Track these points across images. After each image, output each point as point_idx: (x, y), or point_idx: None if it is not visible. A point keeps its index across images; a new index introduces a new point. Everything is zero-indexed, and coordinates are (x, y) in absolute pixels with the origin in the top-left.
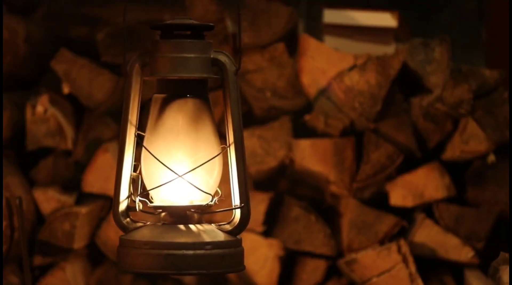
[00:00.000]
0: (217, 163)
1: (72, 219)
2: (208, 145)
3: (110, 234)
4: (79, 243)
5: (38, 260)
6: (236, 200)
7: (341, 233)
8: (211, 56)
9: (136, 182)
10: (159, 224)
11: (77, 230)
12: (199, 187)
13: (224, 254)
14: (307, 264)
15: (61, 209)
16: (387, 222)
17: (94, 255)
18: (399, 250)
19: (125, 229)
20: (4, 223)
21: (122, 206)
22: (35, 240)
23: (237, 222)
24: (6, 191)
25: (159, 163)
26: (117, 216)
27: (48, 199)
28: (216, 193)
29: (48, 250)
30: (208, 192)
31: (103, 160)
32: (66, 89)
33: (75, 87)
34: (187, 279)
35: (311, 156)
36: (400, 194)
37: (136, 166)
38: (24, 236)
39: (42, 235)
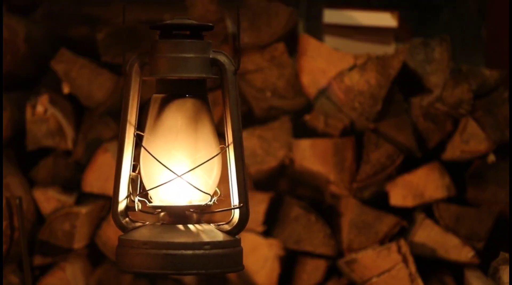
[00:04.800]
0: (216, 163)
1: (72, 219)
2: (207, 145)
3: (110, 234)
4: (79, 243)
5: (38, 260)
6: (235, 200)
7: (341, 233)
8: (210, 56)
9: (135, 182)
10: (158, 224)
11: (77, 230)
12: (198, 187)
13: (223, 254)
14: (307, 264)
15: (61, 209)
16: (387, 222)
17: (94, 255)
18: (399, 250)
19: (124, 228)
20: (4, 223)
21: (121, 205)
22: (35, 240)
23: (236, 222)
24: (6, 191)
25: (158, 163)
26: (116, 215)
27: (48, 199)
28: (215, 193)
29: (48, 250)
30: (207, 192)
31: (103, 160)
32: (66, 89)
33: (75, 87)
34: (187, 279)
35: (311, 156)
36: (400, 194)
37: (135, 166)
38: (24, 236)
39: (42, 235)
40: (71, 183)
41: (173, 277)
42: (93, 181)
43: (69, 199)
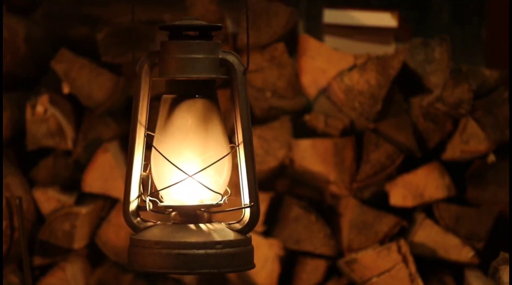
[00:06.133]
0: (226, 162)
1: (72, 219)
2: (217, 145)
3: (110, 234)
4: (79, 243)
5: (38, 260)
6: (245, 199)
7: (341, 233)
8: (220, 57)
9: (146, 181)
10: (170, 223)
11: (77, 230)
12: (209, 187)
13: (235, 253)
14: (307, 264)
15: (61, 209)
16: (387, 222)
17: (94, 255)
18: (399, 250)
19: (135, 228)
20: (4, 223)
21: (132, 205)
22: (35, 240)
23: (247, 220)
24: (6, 191)
25: (169, 163)
26: (127, 215)
27: (48, 199)
28: (226, 192)
29: (48, 250)
30: (218, 191)
31: (103, 160)
32: (66, 89)
33: (75, 87)
34: (187, 279)
35: (311, 156)
36: (400, 194)
37: (146, 166)
38: (24, 236)
39: (42, 235)
40: (71, 183)
41: (173, 277)
42: (93, 181)
43: (69, 199)
